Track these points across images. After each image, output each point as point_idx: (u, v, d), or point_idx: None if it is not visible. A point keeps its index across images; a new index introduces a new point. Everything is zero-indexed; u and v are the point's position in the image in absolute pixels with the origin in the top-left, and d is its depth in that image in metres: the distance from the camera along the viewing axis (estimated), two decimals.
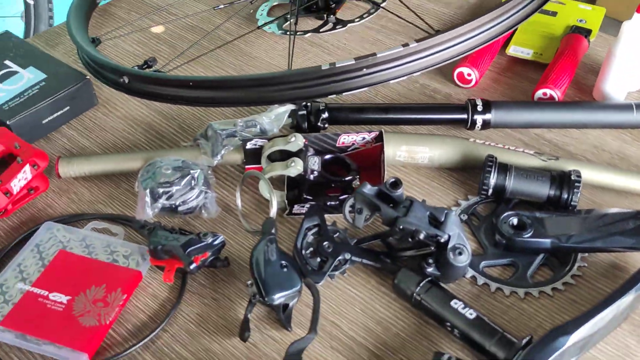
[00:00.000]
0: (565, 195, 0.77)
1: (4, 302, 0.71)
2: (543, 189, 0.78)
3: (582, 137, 0.90)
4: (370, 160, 0.83)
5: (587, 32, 1.02)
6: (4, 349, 0.69)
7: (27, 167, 0.82)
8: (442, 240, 0.69)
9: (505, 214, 0.76)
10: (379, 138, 0.82)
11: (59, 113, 0.93)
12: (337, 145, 0.82)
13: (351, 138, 0.82)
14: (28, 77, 0.95)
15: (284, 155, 0.81)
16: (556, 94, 0.93)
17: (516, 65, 1.02)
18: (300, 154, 0.80)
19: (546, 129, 0.91)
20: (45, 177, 0.85)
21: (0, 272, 0.74)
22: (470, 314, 0.66)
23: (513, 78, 1.00)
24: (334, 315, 0.71)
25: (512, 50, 1.03)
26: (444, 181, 0.85)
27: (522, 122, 0.90)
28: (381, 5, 1.11)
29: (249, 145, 0.82)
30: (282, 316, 0.68)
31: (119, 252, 0.76)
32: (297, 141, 0.80)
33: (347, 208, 0.74)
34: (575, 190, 0.76)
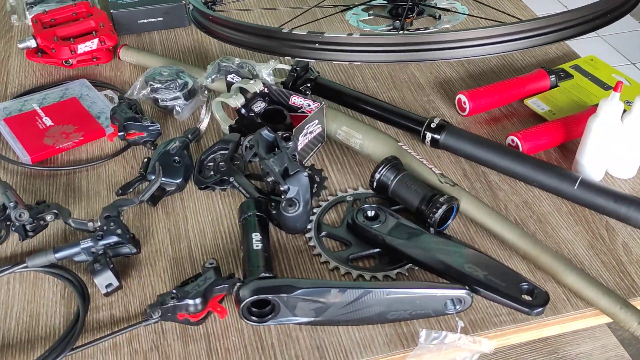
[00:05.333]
0: (426, 212, 0.82)
1: (18, 110, 1.01)
2: (414, 200, 0.83)
3: (521, 190, 0.91)
4: None
5: None
6: None
7: (96, 41, 1.11)
8: (282, 189, 0.81)
9: (368, 205, 0.84)
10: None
11: (152, 20, 1.22)
12: (289, 103, 0.97)
13: (300, 101, 0.96)
14: None
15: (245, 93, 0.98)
16: (522, 144, 0.94)
17: (526, 115, 1.03)
18: (254, 96, 0.96)
19: (495, 171, 0.94)
20: (110, 54, 1.15)
21: (33, 95, 1.04)
22: (257, 246, 0.78)
23: (514, 123, 1.02)
24: (190, 212, 0.87)
25: (531, 101, 1.04)
26: (362, 168, 0.94)
27: (468, 153, 0.94)
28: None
29: (228, 78, 1.01)
30: (148, 191, 0.86)
31: (105, 112, 1.01)
32: (255, 85, 0.96)
33: (246, 142, 0.89)
34: (434, 210, 0.81)
